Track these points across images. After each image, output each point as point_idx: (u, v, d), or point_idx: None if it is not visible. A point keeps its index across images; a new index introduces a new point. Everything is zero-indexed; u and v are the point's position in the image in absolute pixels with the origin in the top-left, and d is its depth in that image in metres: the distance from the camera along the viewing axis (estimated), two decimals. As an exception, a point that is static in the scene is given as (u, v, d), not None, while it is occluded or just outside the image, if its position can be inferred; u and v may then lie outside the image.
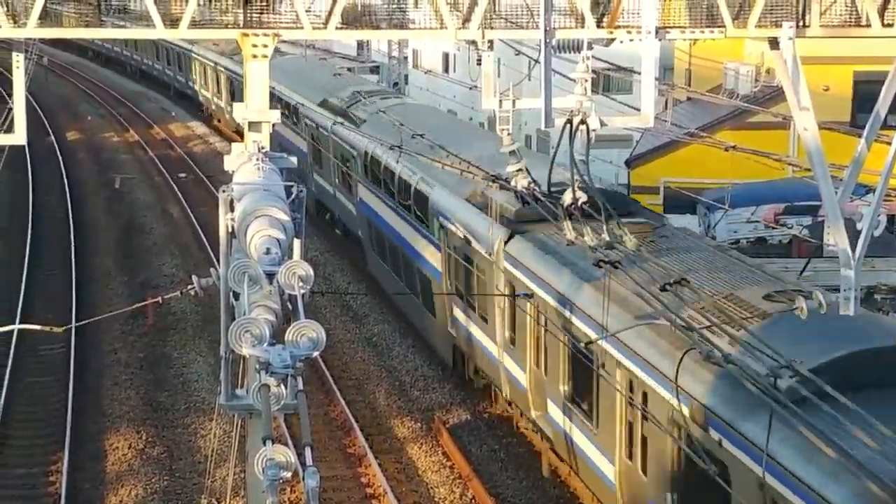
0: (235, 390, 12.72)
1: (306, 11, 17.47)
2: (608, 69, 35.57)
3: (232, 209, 12.54)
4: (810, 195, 26.46)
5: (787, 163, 29.64)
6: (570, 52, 18.20)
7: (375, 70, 67.59)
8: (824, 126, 20.62)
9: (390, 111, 37.93)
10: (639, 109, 19.24)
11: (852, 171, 18.86)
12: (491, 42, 18.09)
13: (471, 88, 52.00)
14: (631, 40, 18.19)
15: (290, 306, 10.72)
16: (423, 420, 28.63)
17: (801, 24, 18.60)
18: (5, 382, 30.49)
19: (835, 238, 18.61)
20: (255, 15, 17.30)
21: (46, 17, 17.00)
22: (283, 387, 9.67)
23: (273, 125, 16.92)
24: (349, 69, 54.18)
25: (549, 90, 17.36)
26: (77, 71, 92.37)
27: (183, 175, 56.44)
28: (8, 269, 41.19)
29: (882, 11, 18.77)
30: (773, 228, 32.76)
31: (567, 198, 18.26)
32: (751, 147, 27.67)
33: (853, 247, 18.34)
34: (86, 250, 43.74)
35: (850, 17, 18.89)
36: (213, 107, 67.91)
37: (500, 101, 18.54)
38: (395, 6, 18.06)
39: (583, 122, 17.38)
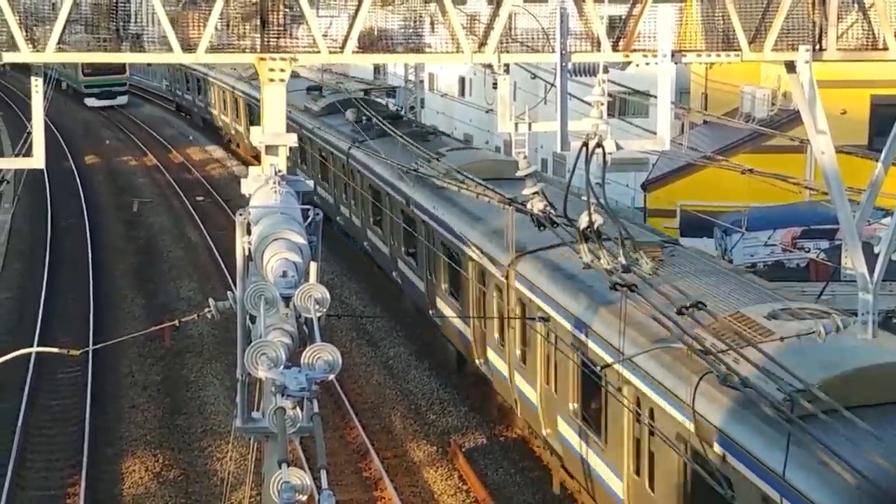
0: (251, 413, 12.72)
1: (323, 36, 17.52)
2: (624, 93, 35.62)
3: (249, 232, 12.56)
4: (827, 219, 26.47)
5: (805, 186, 29.62)
6: (585, 76, 18.17)
7: (392, 93, 67.72)
8: (841, 150, 20.59)
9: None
10: (655, 133, 19.25)
11: (869, 195, 18.84)
12: (507, 66, 18.12)
13: (487, 112, 52.12)
14: (647, 64, 18.21)
15: (306, 329, 10.72)
16: (439, 443, 28.60)
17: (817, 47, 18.60)
18: (23, 405, 30.57)
19: (852, 262, 18.58)
20: (272, 39, 17.35)
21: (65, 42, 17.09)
22: (298, 410, 9.67)
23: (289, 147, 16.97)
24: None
25: (564, 113, 17.37)
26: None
27: (200, 198, 56.59)
28: (26, 292, 41.34)
29: (899, 35, 18.77)
30: (791, 252, 32.72)
31: (583, 221, 18.23)
32: (768, 170, 27.65)
33: (871, 270, 18.30)
34: (103, 273, 43.85)
35: (867, 41, 18.88)
36: (233, 132, 68.10)
37: (516, 124, 18.55)
38: (411, 30, 18.11)
39: (599, 145, 17.37)
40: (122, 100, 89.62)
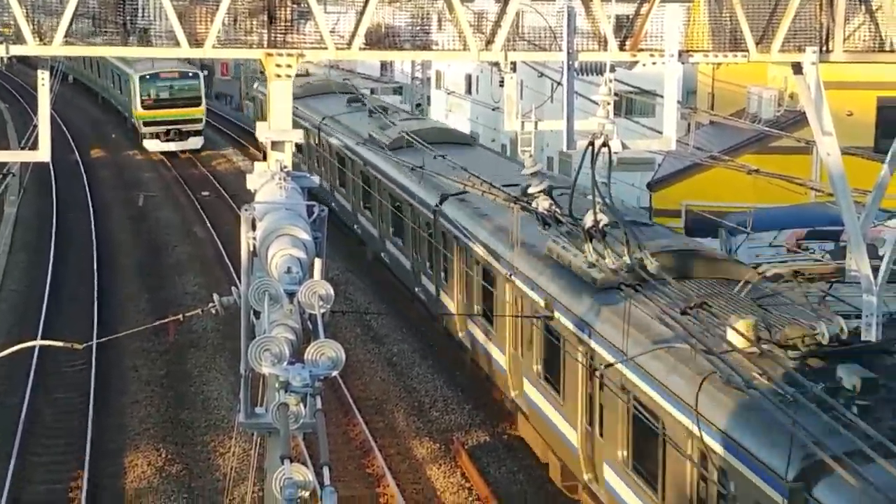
0: (255, 409, 12.73)
1: (330, 32, 17.52)
2: (631, 92, 35.57)
3: (254, 228, 12.57)
4: (833, 220, 26.37)
5: (810, 187, 29.58)
6: (592, 75, 18.18)
7: (398, 91, 67.78)
8: (847, 151, 20.58)
9: None
10: (661, 132, 19.25)
11: (875, 197, 18.83)
12: (514, 64, 18.12)
13: (493, 110, 52.11)
14: (654, 63, 18.21)
15: (310, 325, 10.72)
16: (443, 441, 28.59)
17: (824, 49, 18.59)
18: (27, 398, 30.60)
19: (857, 263, 18.57)
20: (279, 35, 17.35)
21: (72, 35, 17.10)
22: (302, 406, 9.68)
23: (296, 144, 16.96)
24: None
25: (571, 112, 17.38)
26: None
27: (206, 193, 56.61)
28: (31, 285, 41.37)
29: (906, 37, 18.75)
30: (796, 253, 32.64)
31: (588, 220, 18.25)
32: (773, 171, 27.63)
33: (875, 272, 18.29)
34: (108, 267, 43.88)
35: (874, 43, 18.87)
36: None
37: (523, 122, 18.56)
38: (418, 27, 18.11)
39: (605, 144, 17.39)
40: (196, 142, 67.53)
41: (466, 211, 31.30)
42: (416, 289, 36.18)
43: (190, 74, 68.88)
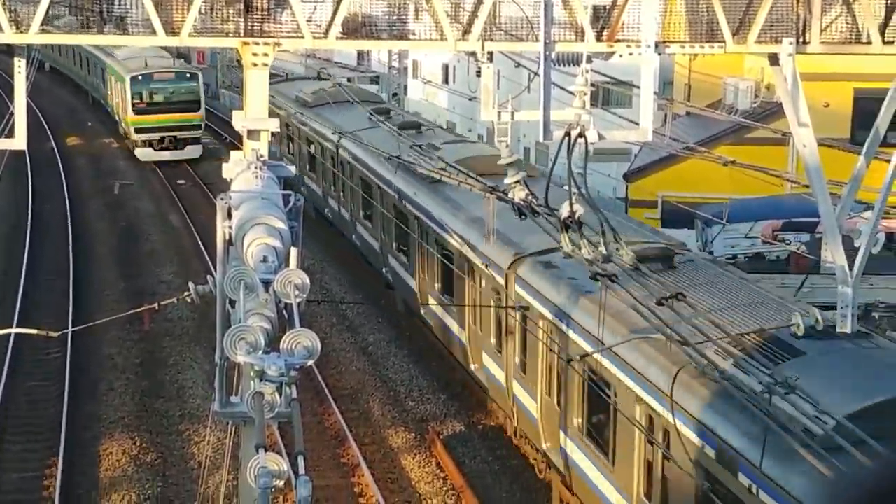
0: (230, 397, 12.71)
1: (307, 21, 17.49)
2: (607, 83, 35.63)
3: (229, 217, 12.54)
4: (809, 211, 26.44)
5: (786, 179, 29.65)
6: (569, 66, 18.17)
7: (375, 80, 67.69)
8: (823, 142, 20.63)
9: None
10: (637, 123, 19.27)
11: (851, 188, 18.89)
12: (491, 54, 18.12)
13: (470, 100, 52.02)
14: (630, 54, 18.22)
15: (285, 315, 10.71)
16: (418, 430, 28.63)
17: (801, 40, 18.62)
18: (1, 387, 30.51)
19: (833, 255, 18.62)
20: (255, 24, 17.32)
21: (48, 23, 17.04)
22: (277, 395, 9.66)
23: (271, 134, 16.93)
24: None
25: (548, 103, 17.37)
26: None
27: (182, 182, 56.47)
28: (6, 274, 41.24)
29: (883, 29, 18.80)
30: (771, 244, 32.74)
31: (564, 210, 18.24)
32: (750, 162, 27.69)
33: (851, 264, 18.36)
34: (84, 255, 43.77)
35: (851, 35, 18.91)
36: None
37: (499, 112, 18.54)
38: (395, 17, 18.09)
39: (581, 134, 17.37)
40: (195, 151, 60.48)
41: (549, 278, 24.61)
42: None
43: (188, 75, 61.93)
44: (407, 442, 28.09)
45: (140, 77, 61.03)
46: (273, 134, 17.05)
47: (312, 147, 46.28)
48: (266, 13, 17.34)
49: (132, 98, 60.24)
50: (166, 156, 59.87)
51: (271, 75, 17.62)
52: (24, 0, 17.04)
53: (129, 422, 29.20)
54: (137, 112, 60.30)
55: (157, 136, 60.21)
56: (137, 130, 60.60)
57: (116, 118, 66.32)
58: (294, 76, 59.77)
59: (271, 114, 17.42)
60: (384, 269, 36.95)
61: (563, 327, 22.18)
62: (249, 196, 12.84)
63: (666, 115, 44.58)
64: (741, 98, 43.35)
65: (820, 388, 15.89)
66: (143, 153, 60.65)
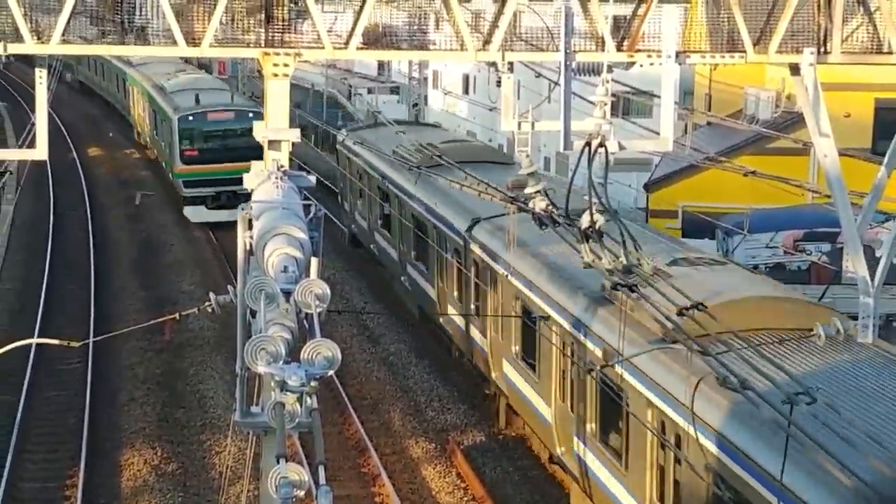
0: (250, 408, 12.72)
1: (328, 31, 17.53)
2: (628, 93, 35.58)
3: (250, 227, 12.57)
4: (830, 222, 26.39)
5: (807, 189, 29.60)
6: (589, 75, 18.16)
7: (396, 90, 67.80)
8: (844, 153, 20.59)
9: None
10: (658, 133, 19.25)
11: (872, 198, 18.84)
12: (511, 64, 18.12)
13: (490, 110, 51.99)
14: (651, 64, 18.20)
15: (306, 325, 10.72)
16: (438, 441, 28.60)
17: (822, 50, 18.58)
18: (23, 396, 30.60)
19: (854, 265, 18.58)
20: (276, 34, 17.35)
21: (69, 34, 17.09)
22: (297, 405, 9.67)
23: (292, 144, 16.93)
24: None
25: (568, 113, 17.37)
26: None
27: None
28: (27, 283, 41.37)
29: (903, 39, 18.75)
30: (792, 254, 32.67)
31: (585, 220, 18.23)
32: (770, 173, 27.64)
33: (872, 274, 18.30)
34: (105, 266, 43.88)
35: (872, 45, 18.87)
36: None
37: (520, 122, 18.54)
38: (415, 27, 18.11)
39: (602, 144, 17.37)
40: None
41: None
42: None
43: (250, 114, 46.56)
44: (427, 452, 28.06)
45: (190, 116, 49.81)
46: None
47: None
48: (287, 24, 17.38)
49: (180, 144, 49.47)
50: (223, 216, 46.77)
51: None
52: (45, 10, 17.11)
53: (150, 431, 29.23)
54: (187, 162, 49.36)
55: (210, 190, 48.67)
56: (187, 184, 49.32)
57: (163, 165, 55.92)
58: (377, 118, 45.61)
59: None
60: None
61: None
62: (270, 206, 12.86)
63: (686, 125, 44.57)
64: (762, 108, 43.30)
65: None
66: (194, 213, 49.36)
